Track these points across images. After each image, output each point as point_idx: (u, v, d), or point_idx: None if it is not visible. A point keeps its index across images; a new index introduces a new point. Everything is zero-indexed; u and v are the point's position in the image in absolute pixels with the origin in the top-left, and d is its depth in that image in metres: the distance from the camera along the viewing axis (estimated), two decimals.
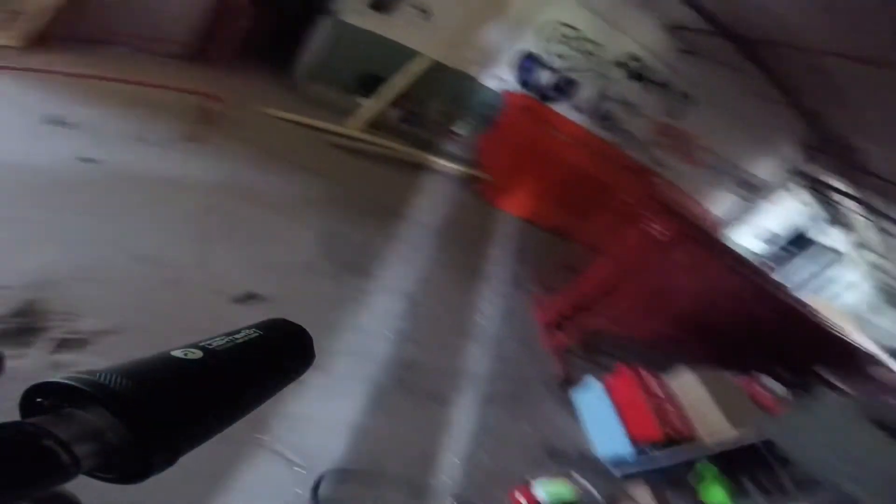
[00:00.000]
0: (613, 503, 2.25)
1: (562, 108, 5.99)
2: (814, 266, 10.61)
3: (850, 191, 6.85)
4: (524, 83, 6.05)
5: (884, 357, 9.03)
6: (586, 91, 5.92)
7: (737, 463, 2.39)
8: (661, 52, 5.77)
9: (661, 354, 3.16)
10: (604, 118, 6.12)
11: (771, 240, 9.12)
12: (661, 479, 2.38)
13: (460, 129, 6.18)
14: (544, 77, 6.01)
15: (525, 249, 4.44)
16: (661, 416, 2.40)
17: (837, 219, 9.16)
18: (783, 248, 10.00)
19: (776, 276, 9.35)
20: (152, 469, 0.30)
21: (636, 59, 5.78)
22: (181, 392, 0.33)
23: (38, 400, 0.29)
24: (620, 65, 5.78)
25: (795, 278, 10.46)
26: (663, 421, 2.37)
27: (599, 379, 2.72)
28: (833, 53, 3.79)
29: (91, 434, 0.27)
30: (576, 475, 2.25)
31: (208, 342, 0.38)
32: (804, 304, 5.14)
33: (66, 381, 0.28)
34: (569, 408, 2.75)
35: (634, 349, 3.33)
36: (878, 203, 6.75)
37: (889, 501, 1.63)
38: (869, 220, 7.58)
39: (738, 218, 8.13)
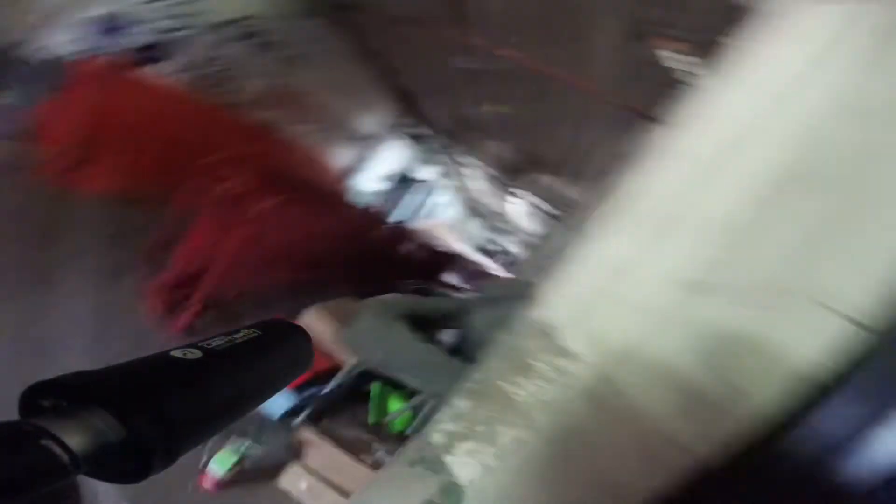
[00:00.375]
0: (295, 451, 2.32)
1: (157, 72, 4.86)
2: (420, 197, 14.04)
3: (432, 133, 9.20)
4: (105, 46, 4.51)
5: (475, 255, 13.54)
6: (188, 53, 4.98)
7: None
8: (273, 12, 5.51)
9: (289, 299, 3.35)
10: (211, 80, 5.41)
11: (385, 182, 11.09)
12: (331, 413, 2.53)
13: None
14: (131, 39, 4.65)
15: (118, 230, 3.60)
16: None
17: (431, 157, 12.23)
18: (395, 187, 12.65)
19: (389, 211, 11.90)
20: (151, 469, 0.30)
21: (246, 18, 5.29)
22: (180, 392, 0.33)
23: (38, 400, 0.29)
24: (229, 24, 5.15)
25: (408, 209, 13.60)
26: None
27: None
28: (401, 19, 4.34)
29: (90, 434, 0.27)
30: (245, 438, 2.21)
31: (207, 342, 0.38)
32: (415, 230, 6.76)
33: (65, 381, 0.29)
34: None
35: (263, 301, 3.39)
36: (447, 141, 9.46)
37: (438, 386, 1.87)
38: (446, 155, 10.56)
39: (356, 167, 9.49)
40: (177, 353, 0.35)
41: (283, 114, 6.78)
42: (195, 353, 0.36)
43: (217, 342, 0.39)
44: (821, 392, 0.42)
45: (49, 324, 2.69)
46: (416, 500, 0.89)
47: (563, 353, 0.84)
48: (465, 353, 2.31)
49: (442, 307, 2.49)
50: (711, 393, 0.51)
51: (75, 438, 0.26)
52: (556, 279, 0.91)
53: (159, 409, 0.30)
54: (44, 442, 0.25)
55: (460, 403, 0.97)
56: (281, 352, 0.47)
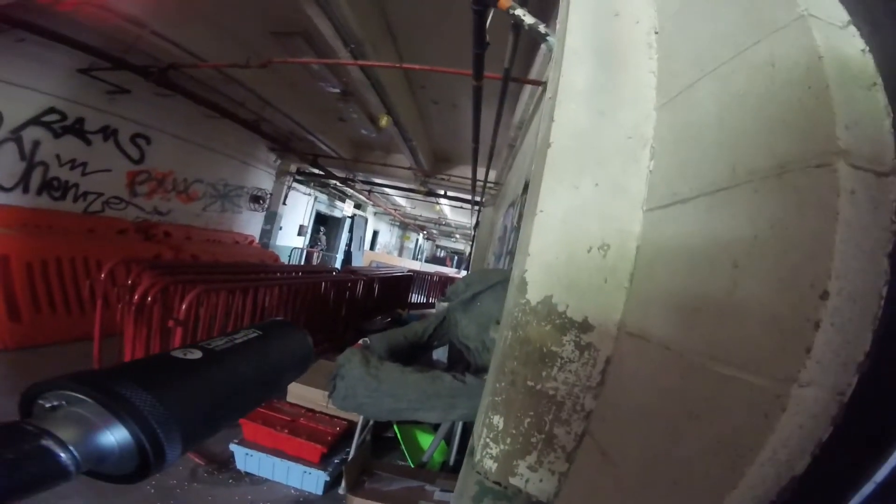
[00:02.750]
0: None
1: None
2: (348, 233, 13.70)
3: (326, 171, 8.90)
4: None
5: (427, 266, 13.40)
6: (3, 165, 4.25)
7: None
8: (85, 98, 4.88)
9: None
10: (50, 188, 4.69)
11: (305, 231, 10.45)
12: (369, 472, 2.27)
13: None
14: None
15: (26, 382, 2.95)
16: (309, 429, 2.38)
17: (338, 193, 11.95)
18: (317, 232, 12.20)
19: (322, 257, 11.49)
20: (151, 468, 0.29)
21: (56, 112, 4.63)
22: (179, 389, 0.33)
23: (38, 400, 0.29)
24: (39, 124, 4.48)
25: (341, 250, 13.23)
26: (315, 432, 2.37)
27: (240, 438, 2.41)
28: (224, 65, 4.02)
29: (90, 434, 0.27)
30: None
31: (208, 342, 0.39)
32: (356, 269, 6.49)
33: (65, 382, 0.28)
34: (247, 478, 2.36)
35: None
36: (351, 170, 9.22)
37: (461, 410, 1.80)
38: (355, 184, 10.30)
39: (269, 227, 8.99)
40: (177, 353, 0.36)
41: (162, 197, 6.16)
42: (195, 353, 0.36)
43: (217, 342, 0.39)
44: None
45: None
46: None
47: (573, 326, 0.78)
48: (462, 363, 2.20)
49: (419, 330, 2.36)
50: (730, 303, 0.46)
51: (75, 438, 0.26)
52: (530, 256, 0.84)
53: (159, 408, 0.30)
54: (44, 442, 0.25)
55: (496, 420, 0.88)
56: (281, 350, 0.47)
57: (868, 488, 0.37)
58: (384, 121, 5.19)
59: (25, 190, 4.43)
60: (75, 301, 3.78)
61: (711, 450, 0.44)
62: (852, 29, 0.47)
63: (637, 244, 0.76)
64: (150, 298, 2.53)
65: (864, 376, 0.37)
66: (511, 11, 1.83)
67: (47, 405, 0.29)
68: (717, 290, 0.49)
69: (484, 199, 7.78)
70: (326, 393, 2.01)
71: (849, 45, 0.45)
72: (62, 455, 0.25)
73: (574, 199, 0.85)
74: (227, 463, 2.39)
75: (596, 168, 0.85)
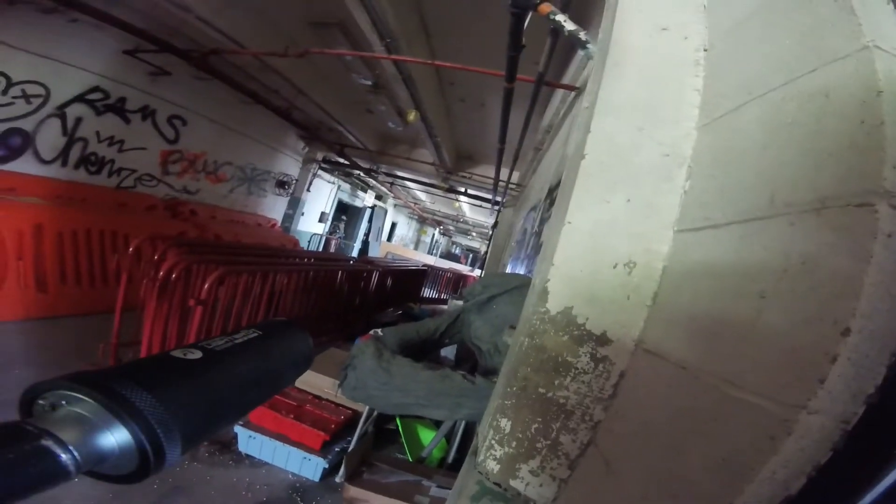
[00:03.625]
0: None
1: (20, 167, 4.30)
2: (367, 224, 13.82)
3: (351, 161, 9.02)
4: None
5: (442, 262, 13.44)
6: (46, 139, 4.49)
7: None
8: (128, 79, 5.08)
9: None
10: (87, 162, 4.89)
11: (326, 218, 10.59)
12: (368, 463, 2.27)
13: None
14: None
15: (45, 352, 3.13)
16: (313, 416, 2.42)
17: (361, 184, 12.06)
18: (337, 220, 12.34)
19: (340, 244, 11.63)
20: (151, 469, 0.30)
21: (100, 91, 4.83)
22: (179, 390, 0.33)
23: (39, 400, 0.29)
24: (83, 101, 4.68)
25: (359, 239, 13.36)
26: (319, 419, 2.41)
27: (245, 420, 2.45)
28: (263, 53, 4.13)
29: (90, 434, 0.27)
30: None
31: (208, 342, 0.39)
32: (372, 260, 6.56)
33: (65, 382, 0.29)
34: (247, 460, 2.40)
35: None
36: (376, 162, 9.30)
37: (467, 409, 1.77)
38: (378, 175, 10.39)
39: (292, 212, 9.13)
40: (177, 354, 0.36)
41: (191, 177, 6.33)
42: (195, 353, 0.36)
43: (218, 342, 0.39)
44: None
45: None
46: None
47: (591, 338, 0.79)
48: (469, 362, 2.21)
49: (432, 327, 2.39)
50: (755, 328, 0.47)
51: (75, 438, 0.26)
52: (554, 265, 0.84)
53: (159, 409, 0.30)
54: (44, 442, 0.25)
55: (503, 423, 0.89)
56: (281, 350, 0.47)
57: None
58: (412, 116, 5.22)
59: (64, 163, 4.63)
60: (99, 274, 3.93)
61: (715, 467, 0.45)
62: None
63: (664, 264, 0.76)
64: (174, 276, 2.62)
65: (871, 406, 0.38)
66: (551, 16, 1.82)
67: (48, 405, 0.29)
68: (740, 318, 0.49)
69: (505, 200, 7.75)
70: (334, 381, 2.04)
71: None
72: (62, 455, 0.25)
73: (604, 214, 0.84)
74: (229, 444, 2.44)
75: (629, 184, 0.85)
